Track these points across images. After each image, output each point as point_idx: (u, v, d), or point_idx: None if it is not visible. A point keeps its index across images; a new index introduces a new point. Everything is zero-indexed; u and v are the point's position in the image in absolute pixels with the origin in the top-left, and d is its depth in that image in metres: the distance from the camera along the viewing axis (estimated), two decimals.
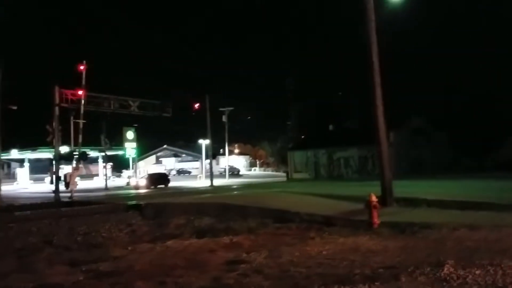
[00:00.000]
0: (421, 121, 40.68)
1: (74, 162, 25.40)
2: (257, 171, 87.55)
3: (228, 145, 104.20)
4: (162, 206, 15.33)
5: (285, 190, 21.31)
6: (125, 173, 68.12)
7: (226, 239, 9.32)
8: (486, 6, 60.45)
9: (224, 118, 59.55)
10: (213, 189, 29.95)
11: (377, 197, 15.04)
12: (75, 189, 23.07)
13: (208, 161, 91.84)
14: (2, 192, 24.36)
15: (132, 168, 66.04)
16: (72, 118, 25.99)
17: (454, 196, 15.76)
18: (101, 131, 42.68)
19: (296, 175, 44.68)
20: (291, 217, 12.41)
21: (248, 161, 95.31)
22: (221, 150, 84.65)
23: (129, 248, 8.85)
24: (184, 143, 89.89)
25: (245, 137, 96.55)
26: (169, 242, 9.47)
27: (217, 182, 44.93)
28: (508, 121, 40.59)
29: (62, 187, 25.28)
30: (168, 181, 36.21)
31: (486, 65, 47.35)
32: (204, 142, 64.34)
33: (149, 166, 77.49)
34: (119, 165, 69.39)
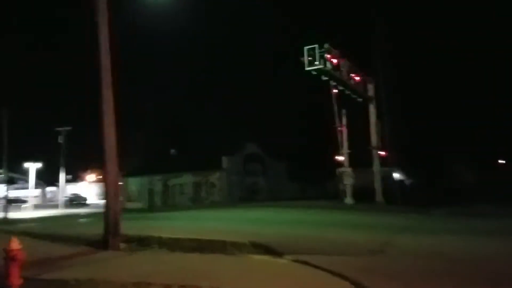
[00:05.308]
0: (257, 148, 39.66)
1: None
2: None
3: (82, 172, 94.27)
4: None
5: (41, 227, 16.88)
6: None
7: None
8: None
9: (60, 139, 52.07)
10: None
11: (103, 236, 11.68)
12: None
13: (52, 188, 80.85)
14: None
15: None
16: None
17: (220, 230, 13.14)
18: None
19: (130, 205, 39.91)
20: None
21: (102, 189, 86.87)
22: (71, 176, 76.01)
23: None
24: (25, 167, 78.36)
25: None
26: None
27: (39, 213, 38.09)
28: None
29: None
30: None
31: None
32: (32, 166, 55.76)
33: None
34: None
